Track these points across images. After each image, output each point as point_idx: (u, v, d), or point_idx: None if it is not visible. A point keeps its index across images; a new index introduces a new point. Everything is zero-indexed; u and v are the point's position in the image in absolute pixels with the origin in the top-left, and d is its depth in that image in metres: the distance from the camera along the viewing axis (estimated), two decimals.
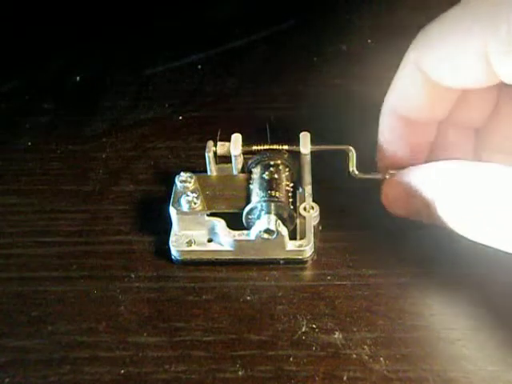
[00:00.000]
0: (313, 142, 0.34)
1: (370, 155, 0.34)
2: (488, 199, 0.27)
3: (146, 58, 0.47)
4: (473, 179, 0.28)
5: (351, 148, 0.33)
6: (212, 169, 0.35)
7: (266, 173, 0.33)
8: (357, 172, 0.33)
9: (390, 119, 0.32)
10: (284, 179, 0.33)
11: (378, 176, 0.33)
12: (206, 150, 0.34)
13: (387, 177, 0.32)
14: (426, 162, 0.31)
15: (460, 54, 0.27)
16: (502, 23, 0.25)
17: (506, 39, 0.25)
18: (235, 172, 0.35)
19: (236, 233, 0.32)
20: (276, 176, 0.33)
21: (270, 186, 0.33)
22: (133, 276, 0.33)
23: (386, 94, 0.32)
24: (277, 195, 0.32)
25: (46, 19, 0.50)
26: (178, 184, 0.33)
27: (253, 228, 0.32)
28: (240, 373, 0.29)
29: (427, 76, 0.29)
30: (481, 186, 0.27)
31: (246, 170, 0.35)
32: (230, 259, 0.33)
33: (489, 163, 0.28)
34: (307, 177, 0.35)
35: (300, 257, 0.33)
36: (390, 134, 0.33)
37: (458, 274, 0.32)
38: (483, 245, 0.28)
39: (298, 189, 0.35)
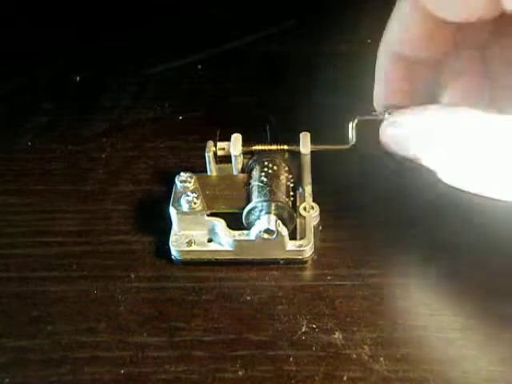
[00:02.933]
0: (313, 141, 0.34)
1: (370, 155, 0.34)
2: (477, 148, 0.27)
3: (145, 58, 0.47)
4: (451, 126, 0.27)
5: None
6: (212, 169, 0.35)
7: (266, 173, 0.33)
8: (356, 120, 0.33)
9: (388, 58, 0.32)
10: (284, 179, 0.33)
11: (376, 117, 0.32)
12: (206, 150, 0.34)
13: (386, 116, 0.31)
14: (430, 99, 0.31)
15: None
16: None
17: None
18: (235, 172, 0.35)
19: (236, 233, 0.32)
20: (276, 176, 0.33)
21: (269, 186, 0.33)
22: (133, 276, 0.33)
23: (384, 32, 0.31)
24: (277, 195, 0.32)
25: (46, 19, 0.50)
26: (178, 184, 0.33)
27: (253, 228, 0.32)
28: (240, 373, 0.29)
29: (426, 10, 0.28)
30: (471, 136, 0.27)
31: (246, 170, 0.35)
32: (230, 259, 0.33)
33: (469, 109, 0.27)
34: (307, 177, 0.35)
35: (300, 257, 0.33)
36: (387, 71, 0.32)
37: (458, 273, 0.32)
38: (472, 194, 0.27)
39: (298, 189, 0.35)
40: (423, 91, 0.32)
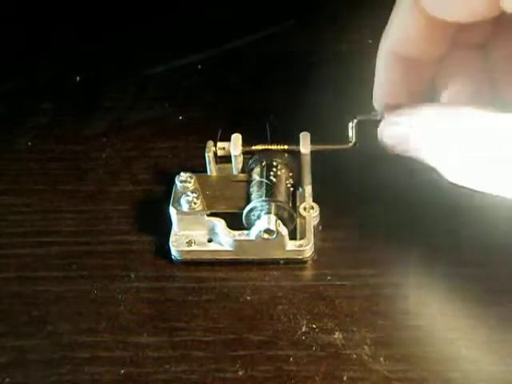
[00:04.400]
0: (313, 142, 0.34)
1: (370, 155, 0.34)
2: (478, 147, 0.27)
3: (145, 58, 0.47)
4: (452, 126, 0.27)
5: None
6: (212, 169, 0.35)
7: (266, 173, 0.33)
8: (356, 119, 0.33)
9: (388, 59, 0.31)
10: (284, 179, 0.33)
11: (376, 117, 0.32)
12: (206, 150, 0.34)
13: (385, 117, 0.32)
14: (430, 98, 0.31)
15: None
16: None
17: None
18: (235, 172, 0.35)
19: (236, 233, 0.32)
20: (276, 176, 0.33)
21: (269, 186, 0.33)
22: (133, 276, 0.33)
23: (383, 32, 0.31)
24: (277, 195, 0.32)
25: (46, 19, 0.50)
26: (178, 184, 0.33)
27: (253, 228, 0.32)
28: (240, 373, 0.29)
29: (425, 11, 0.28)
30: (470, 134, 0.27)
31: (246, 170, 0.35)
32: (230, 259, 0.33)
33: (469, 108, 0.28)
34: (307, 177, 0.35)
35: (300, 257, 0.33)
36: (387, 72, 0.32)
37: (458, 273, 0.32)
38: (478, 191, 0.27)
39: (298, 189, 0.35)
40: (423, 91, 0.32)
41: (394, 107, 0.31)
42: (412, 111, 0.30)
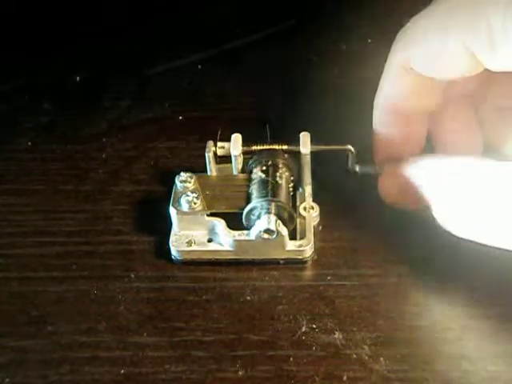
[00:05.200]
0: (313, 141, 0.34)
1: (370, 155, 0.34)
2: (481, 197, 0.27)
3: (145, 57, 0.47)
4: (464, 178, 0.28)
5: (351, 148, 0.33)
6: (212, 169, 0.35)
7: (266, 173, 0.33)
8: (356, 168, 0.33)
9: (383, 113, 0.32)
10: (284, 179, 0.33)
11: (376, 170, 0.33)
12: (206, 150, 0.34)
13: (385, 170, 0.32)
14: (426, 151, 0.32)
15: (446, 50, 0.27)
16: (481, 22, 0.25)
17: (486, 38, 0.26)
18: (235, 172, 0.35)
19: (236, 233, 0.32)
20: (276, 176, 0.33)
21: (270, 185, 0.33)
22: (133, 276, 0.33)
23: (377, 89, 0.32)
24: (277, 195, 0.32)
25: (46, 19, 0.50)
26: (178, 184, 0.33)
27: (253, 228, 0.32)
28: (240, 373, 0.29)
29: (415, 71, 0.30)
30: (473, 185, 0.28)
31: (246, 169, 0.35)
32: (230, 259, 0.33)
33: (480, 158, 0.28)
34: (307, 177, 0.35)
35: (300, 257, 0.33)
36: (384, 127, 0.33)
37: (459, 274, 0.32)
38: (480, 244, 0.28)
39: (298, 189, 0.35)
40: (420, 145, 0.33)
41: (393, 160, 0.32)
42: (411, 164, 0.31)
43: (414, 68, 0.29)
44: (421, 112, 0.32)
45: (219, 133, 0.35)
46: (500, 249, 0.27)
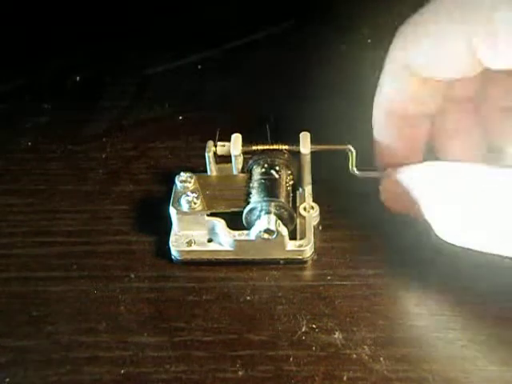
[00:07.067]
0: (313, 142, 0.34)
1: (370, 155, 0.34)
2: (472, 202, 0.27)
3: (145, 58, 0.47)
4: (455, 183, 0.28)
5: (351, 147, 0.33)
6: (212, 169, 0.35)
7: (266, 173, 0.33)
8: (357, 172, 0.33)
9: (383, 116, 0.32)
10: (284, 179, 0.33)
11: (377, 174, 0.33)
12: (206, 149, 0.34)
13: (386, 174, 0.32)
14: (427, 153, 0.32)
15: (445, 49, 0.27)
16: (482, 19, 0.25)
17: (487, 35, 0.25)
18: (235, 172, 0.35)
19: (236, 233, 0.32)
20: (276, 176, 0.33)
21: (269, 185, 0.33)
22: (133, 276, 0.33)
23: (376, 91, 0.32)
24: (277, 195, 0.32)
25: (46, 19, 0.50)
26: (178, 184, 0.33)
27: (253, 228, 0.32)
28: (240, 373, 0.29)
29: (414, 72, 0.29)
30: (464, 189, 0.28)
31: (246, 169, 0.35)
32: (230, 259, 0.33)
33: (473, 164, 0.28)
34: (307, 177, 0.35)
35: (300, 257, 0.33)
36: (384, 130, 0.33)
37: (459, 274, 0.32)
38: (469, 249, 0.28)
39: (298, 189, 0.35)
40: (421, 148, 0.33)
41: (394, 165, 0.32)
42: (411, 169, 0.31)
43: (414, 68, 0.29)
44: (421, 113, 0.32)
45: (217, 132, 0.35)
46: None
